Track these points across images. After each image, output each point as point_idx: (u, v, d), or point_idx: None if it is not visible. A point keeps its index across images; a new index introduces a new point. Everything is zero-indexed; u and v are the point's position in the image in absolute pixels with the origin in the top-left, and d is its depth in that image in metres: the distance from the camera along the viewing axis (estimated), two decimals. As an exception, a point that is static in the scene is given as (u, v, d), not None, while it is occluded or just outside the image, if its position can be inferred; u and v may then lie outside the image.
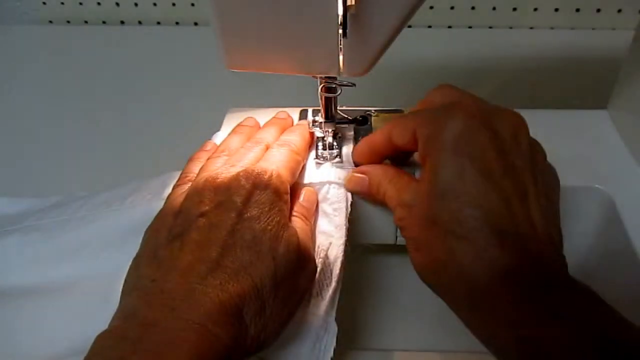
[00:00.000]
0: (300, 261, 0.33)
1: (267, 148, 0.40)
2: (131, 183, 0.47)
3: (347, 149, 0.43)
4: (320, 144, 0.43)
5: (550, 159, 0.43)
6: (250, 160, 0.38)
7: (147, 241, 0.34)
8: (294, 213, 0.37)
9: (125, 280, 0.33)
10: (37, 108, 0.71)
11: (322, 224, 0.39)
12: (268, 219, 0.33)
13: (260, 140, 0.41)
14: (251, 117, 0.46)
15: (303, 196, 0.39)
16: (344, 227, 0.38)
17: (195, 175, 0.38)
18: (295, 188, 0.39)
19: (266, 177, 0.35)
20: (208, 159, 0.40)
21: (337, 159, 0.42)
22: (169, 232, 0.33)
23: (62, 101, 0.72)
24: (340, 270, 0.37)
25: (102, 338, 0.29)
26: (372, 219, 0.43)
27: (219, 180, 0.35)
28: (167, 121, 0.67)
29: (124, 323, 0.29)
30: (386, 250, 0.49)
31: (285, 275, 0.32)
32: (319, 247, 0.37)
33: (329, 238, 0.38)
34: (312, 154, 0.43)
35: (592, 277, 0.42)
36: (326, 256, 0.37)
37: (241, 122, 0.45)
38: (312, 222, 0.38)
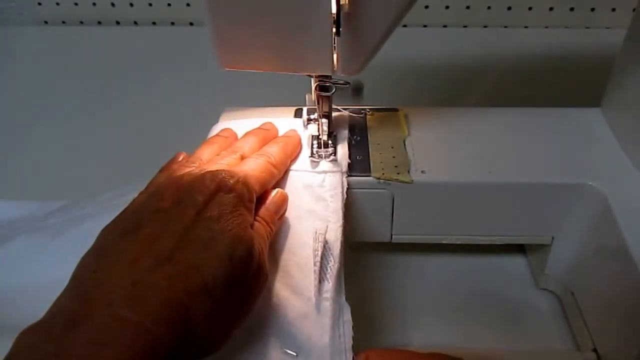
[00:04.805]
0: (255, 267, 0.32)
1: (243, 158, 0.39)
2: (133, 181, 0.48)
3: (342, 148, 0.43)
4: (315, 142, 0.43)
5: (543, 156, 0.43)
6: (221, 166, 0.36)
7: (97, 238, 0.32)
8: (257, 217, 0.35)
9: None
10: (32, 109, 0.71)
11: (319, 209, 0.40)
12: (228, 220, 0.31)
13: (235, 149, 0.40)
14: (228, 128, 0.44)
15: (271, 198, 0.37)
16: (341, 210, 0.39)
17: None
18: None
19: (232, 181, 0.33)
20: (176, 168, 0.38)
21: (332, 157, 0.42)
22: (123, 228, 0.31)
23: (58, 102, 0.72)
24: (341, 251, 0.37)
25: (24, 335, 0.26)
26: (367, 217, 0.43)
27: (182, 180, 0.34)
28: (163, 121, 0.67)
29: (51, 318, 0.27)
30: (380, 248, 0.49)
31: (239, 278, 0.30)
32: (316, 232, 0.37)
33: (326, 222, 0.39)
34: (308, 152, 0.43)
35: (585, 273, 0.42)
36: (325, 240, 0.37)
37: (217, 133, 0.43)
38: (275, 228, 0.37)
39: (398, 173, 0.41)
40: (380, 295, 0.47)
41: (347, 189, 0.41)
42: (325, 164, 0.42)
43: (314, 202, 0.40)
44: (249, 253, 0.31)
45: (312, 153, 0.43)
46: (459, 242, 0.45)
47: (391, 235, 0.44)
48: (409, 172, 0.41)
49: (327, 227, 0.38)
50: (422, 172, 0.41)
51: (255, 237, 0.32)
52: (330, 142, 0.43)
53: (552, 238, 0.44)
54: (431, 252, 0.50)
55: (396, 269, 0.49)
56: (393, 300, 0.46)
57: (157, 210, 0.32)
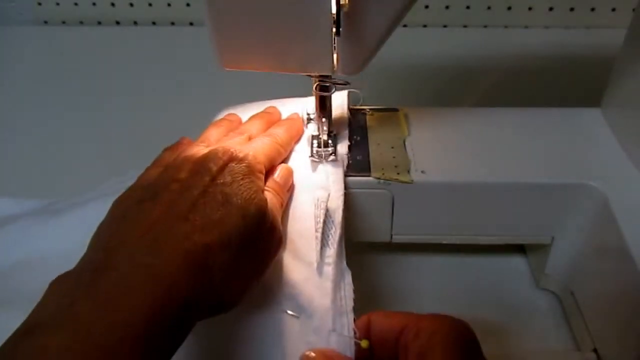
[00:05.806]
0: (269, 226, 0.34)
1: (250, 139, 0.40)
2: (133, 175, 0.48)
3: (342, 147, 0.43)
4: (315, 142, 0.43)
5: (543, 156, 0.43)
6: (230, 145, 0.38)
7: (112, 208, 0.33)
8: (266, 187, 0.37)
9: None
10: (32, 109, 0.71)
11: (320, 180, 0.40)
12: (241, 185, 0.33)
13: (242, 131, 0.41)
14: (233, 113, 0.46)
15: (278, 172, 0.39)
16: (342, 181, 0.40)
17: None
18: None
19: (242, 155, 0.35)
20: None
21: (332, 157, 0.42)
22: (139, 197, 0.33)
23: (58, 102, 0.72)
24: (342, 218, 0.38)
25: (55, 283, 0.28)
26: (367, 217, 0.43)
27: (196, 155, 0.36)
28: (162, 121, 0.67)
29: (80, 269, 0.29)
30: (380, 248, 0.49)
31: (253, 235, 0.32)
32: (318, 199, 0.38)
33: (327, 191, 0.39)
34: (307, 151, 0.43)
35: (585, 273, 0.42)
36: (326, 207, 0.38)
37: (223, 117, 0.45)
38: (285, 199, 0.38)
39: (398, 173, 0.41)
40: (380, 295, 0.47)
41: (347, 190, 0.41)
42: (327, 169, 0.42)
43: (315, 175, 0.41)
44: (261, 213, 0.33)
45: (312, 153, 0.43)
46: (459, 242, 0.45)
47: (391, 235, 0.44)
48: (409, 172, 0.41)
49: (328, 195, 0.39)
50: (422, 172, 0.41)
51: (267, 201, 0.34)
52: (330, 141, 0.43)
53: (552, 238, 0.44)
54: (431, 252, 0.50)
55: (396, 269, 0.49)
56: (393, 300, 0.46)
57: (174, 180, 0.33)
